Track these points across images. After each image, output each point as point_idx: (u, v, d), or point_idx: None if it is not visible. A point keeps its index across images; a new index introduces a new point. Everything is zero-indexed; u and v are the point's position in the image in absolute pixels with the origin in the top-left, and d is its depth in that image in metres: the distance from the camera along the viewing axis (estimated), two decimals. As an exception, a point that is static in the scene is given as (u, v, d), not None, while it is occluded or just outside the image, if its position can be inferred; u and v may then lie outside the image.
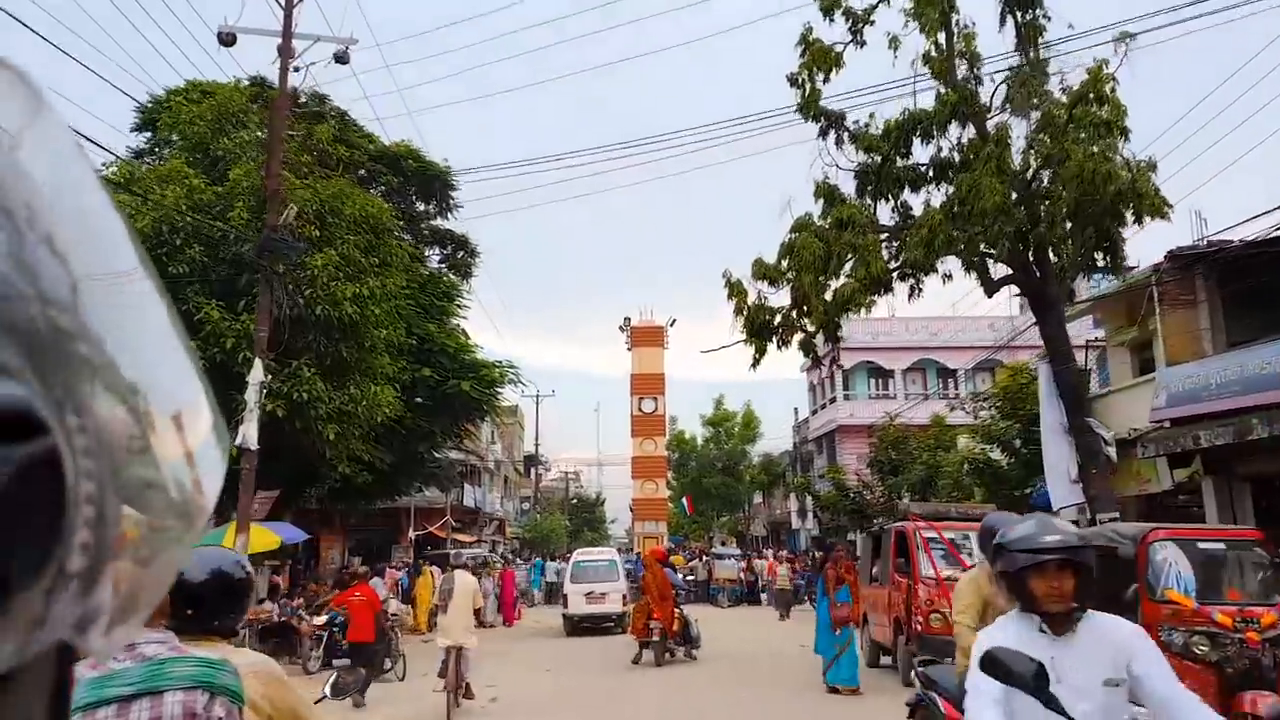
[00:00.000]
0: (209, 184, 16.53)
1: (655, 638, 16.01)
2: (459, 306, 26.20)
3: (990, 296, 14.63)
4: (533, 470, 56.72)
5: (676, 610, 16.43)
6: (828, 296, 13.18)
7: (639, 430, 33.49)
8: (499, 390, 26.18)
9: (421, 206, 28.40)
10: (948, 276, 14.12)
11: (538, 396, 51.51)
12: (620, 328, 34.83)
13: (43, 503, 0.34)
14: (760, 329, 13.69)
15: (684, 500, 43.89)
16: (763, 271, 13.40)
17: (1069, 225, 12.24)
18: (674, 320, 34.90)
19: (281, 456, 20.88)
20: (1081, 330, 32.55)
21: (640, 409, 33.66)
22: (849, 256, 12.27)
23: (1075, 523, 16.13)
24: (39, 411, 0.34)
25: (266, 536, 15.12)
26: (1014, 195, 11.75)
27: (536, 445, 52.85)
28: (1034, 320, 37.33)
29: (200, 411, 0.48)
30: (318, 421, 15.19)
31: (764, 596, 31.67)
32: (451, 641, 11.39)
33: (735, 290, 13.75)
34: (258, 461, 13.78)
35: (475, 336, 27.39)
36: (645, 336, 34.09)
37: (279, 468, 22.26)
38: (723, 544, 40.86)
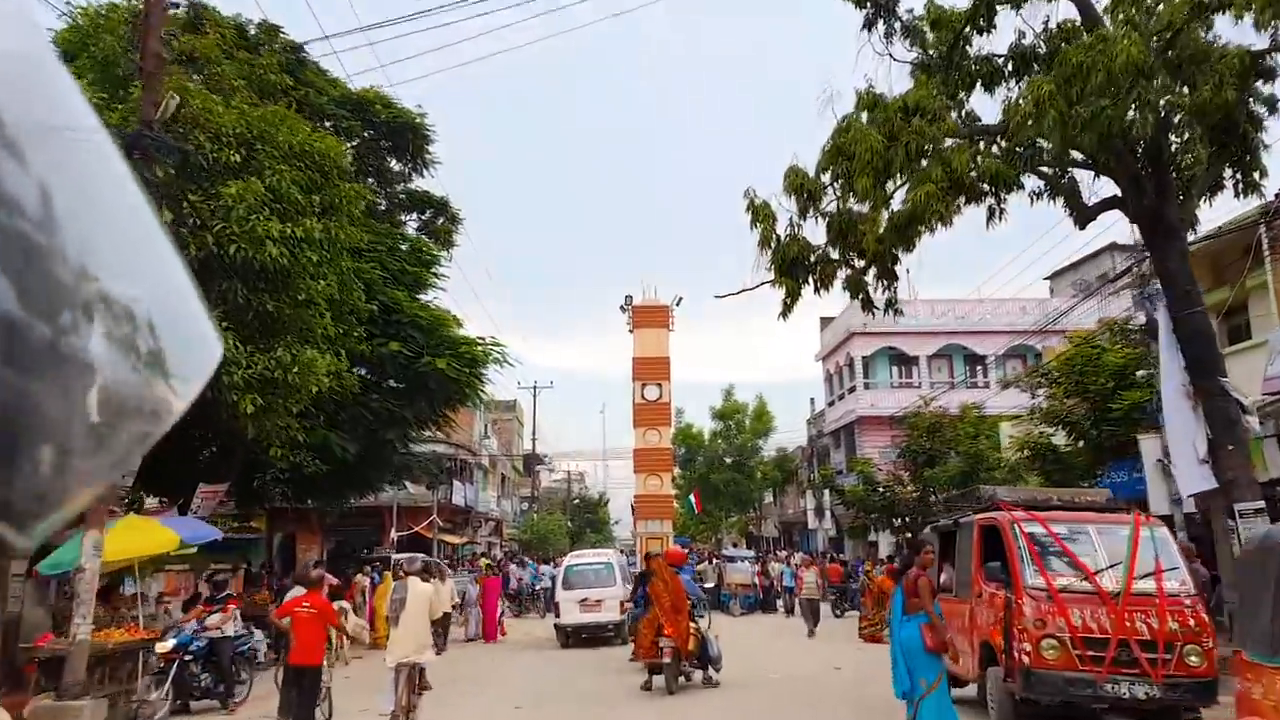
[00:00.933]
0: (107, 103, 13.42)
1: (666, 659, 12.85)
2: (436, 275, 23.02)
3: (1083, 227, 11.40)
4: (531, 467, 53.53)
5: (693, 625, 13.29)
6: (881, 226, 9.96)
7: (641, 419, 30.35)
8: (482, 371, 22.97)
9: (397, 167, 25.31)
10: (1035, 195, 10.92)
11: (535, 388, 48.41)
12: (621, 307, 31.72)
13: None
14: (793, 265, 10.52)
15: (691, 497, 40.47)
16: (799, 183, 10.18)
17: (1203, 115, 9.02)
18: (680, 299, 31.81)
19: (230, 444, 17.82)
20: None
21: (643, 396, 30.52)
22: (919, 152, 9.05)
23: (1206, 516, 12.83)
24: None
25: (157, 535, 11.93)
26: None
27: (534, 440, 49.71)
28: (1076, 298, 33.96)
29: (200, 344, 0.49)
30: (232, 390, 12.03)
31: (779, 603, 28.58)
32: (401, 659, 9.85)
33: (760, 215, 10.53)
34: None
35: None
36: (648, 317, 30.93)
37: (228, 458, 19.23)
38: (734, 545, 37.58)
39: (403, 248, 23.16)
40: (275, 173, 13.79)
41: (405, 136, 23.01)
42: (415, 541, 37.10)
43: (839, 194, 10.18)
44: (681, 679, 13.27)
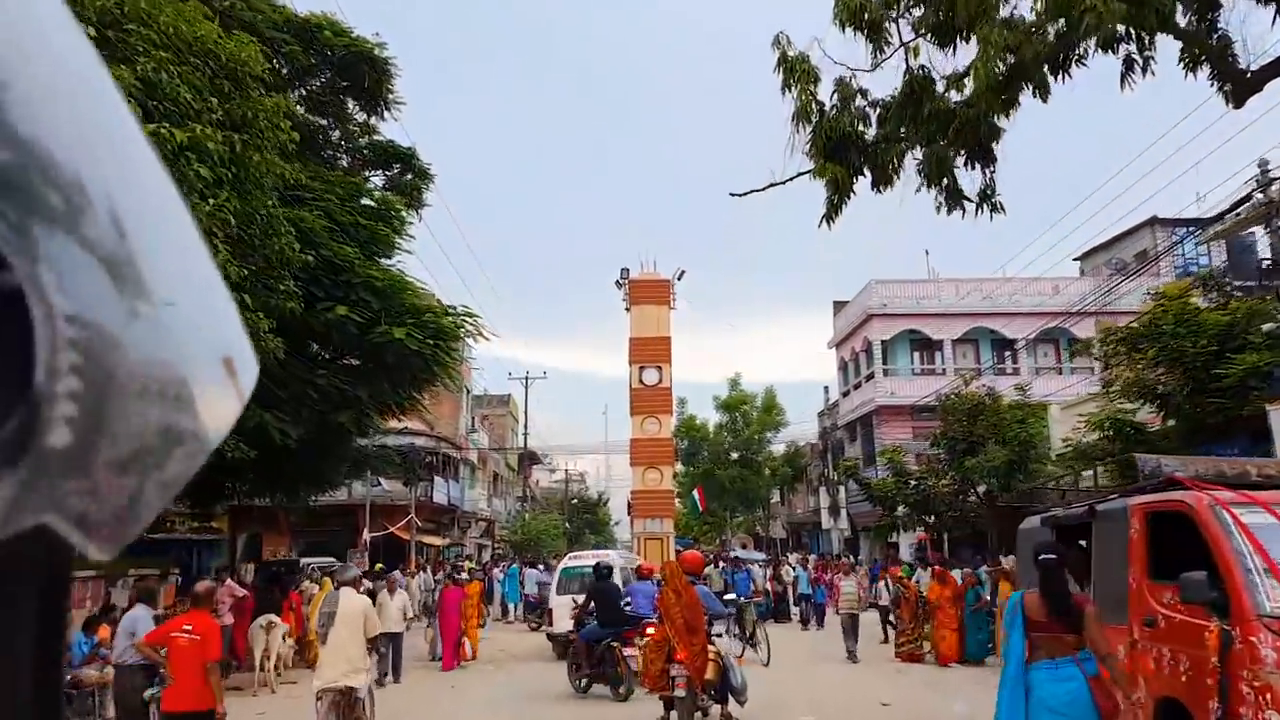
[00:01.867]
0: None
1: (679, 692, 9.69)
2: (398, 233, 19.67)
3: (1240, 104, 8.11)
4: (522, 461, 50.16)
5: (712, 649, 10.08)
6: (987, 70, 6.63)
7: (639, 406, 27.04)
8: (452, 345, 19.64)
9: (360, 116, 22.15)
10: (1179, 55, 7.62)
11: (527, 378, 45.07)
12: (617, 282, 28.40)
13: (5, 345, 0.30)
14: (841, 146, 7.29)
15: (695, 493, 37.07)
16: (856, 6, 6.90)
17: None
18: (682, 272, 28.35)
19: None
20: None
21: (641, 380, 27.18)
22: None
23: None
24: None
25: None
26: None
27: (525, 435, 46.39)
28: (1115, 277, 30.62)
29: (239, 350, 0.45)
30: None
31: (795, 611, 25.40)
32: (328, 683, 8.43)
33: (796, 72, 7.24)
34: None
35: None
36: (646, 292, 27.61)
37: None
38: (742, 546, 34.24)
39: (364, 202, 19.91)
40: (154, 61, 10.58)
41: (360, 70, 19.72)
42: (391, 543, 33.96)
43: (913, 30, 6.91)
44: (699, 715, 10.19)
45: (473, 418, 43.68)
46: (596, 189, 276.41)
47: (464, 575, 21.21)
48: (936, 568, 16.62)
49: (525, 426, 45.55)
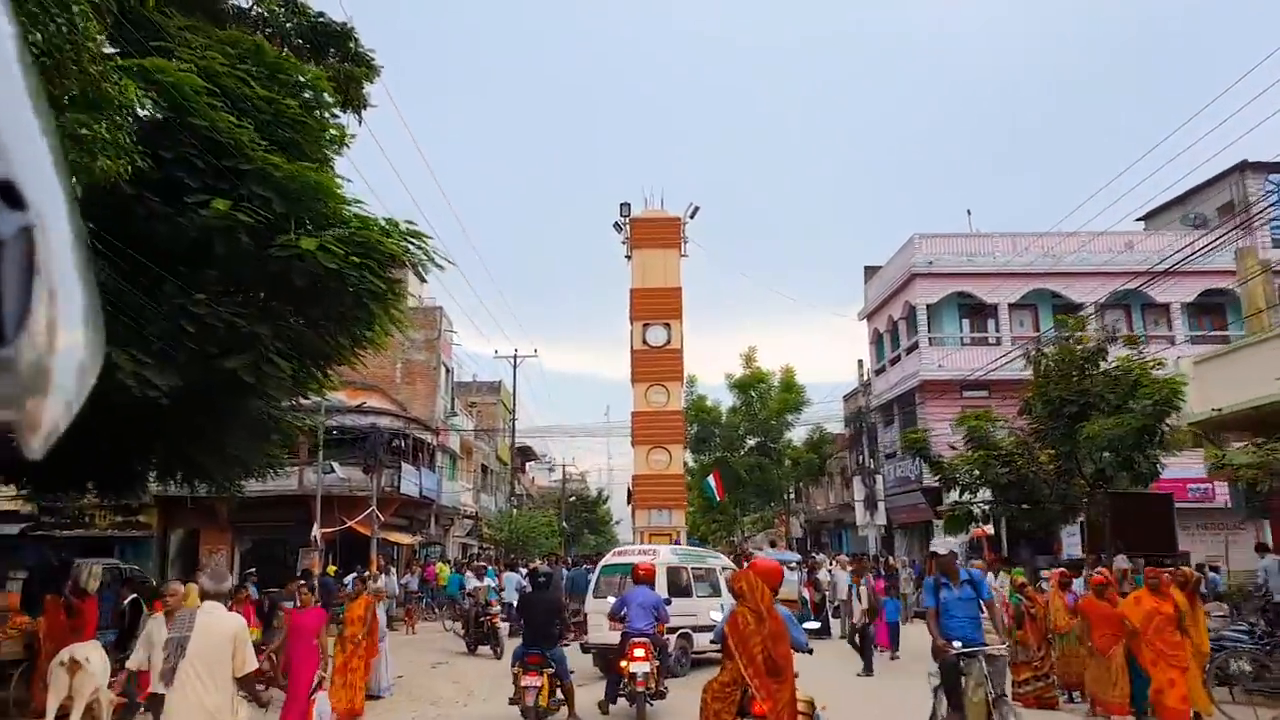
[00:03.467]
0: None
1: None
2: (310, 115, 14.43)
3: None
4: (513, 452, 44.96)
5: (801, 700, 6.89)
6: None
7: (642, 372, 22.02)
8: (389, 270, 14.41)
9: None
10: None
11: (515, 356, 39.92)
12: (616, 224, 23.29)
13: (19, 272, 0.36)
14: None
15: (710, 479, 31.50)
16: None
17: None
18: (695, 209, 23.17)
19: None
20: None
21: (645, 340, 22.16)
22: None
23: None
24: (23, 189, 0.35)
25: None
26: None
27: (514, 418, 41.26)
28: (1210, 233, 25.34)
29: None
30: None
31: (835, 626, 20.40)
32: None
33: None
34: None
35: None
36: (652, 233, 22.54)
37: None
38: (771, 545, 28.96)
39: (292, 98, 14.63)
40: None
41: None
42: (351, 540, 28.87)
43: None
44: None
45: (453, 399, 38.53)
46: (600, 186, 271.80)
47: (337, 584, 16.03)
48: (1149, 569, 11.24)
49: (514, 409, 40.42)
